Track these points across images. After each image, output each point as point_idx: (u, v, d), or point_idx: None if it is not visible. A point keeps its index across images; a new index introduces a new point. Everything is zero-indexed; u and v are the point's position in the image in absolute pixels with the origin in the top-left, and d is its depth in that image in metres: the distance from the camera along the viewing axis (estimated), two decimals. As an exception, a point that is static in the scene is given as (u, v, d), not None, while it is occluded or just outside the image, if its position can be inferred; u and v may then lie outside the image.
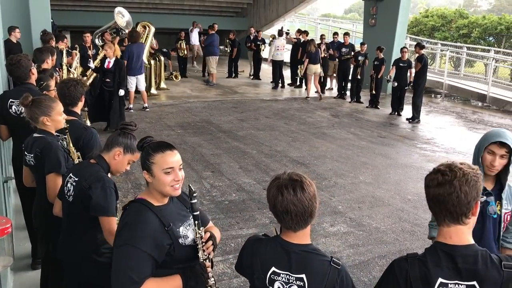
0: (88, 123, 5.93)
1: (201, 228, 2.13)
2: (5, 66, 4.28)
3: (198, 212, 2.12)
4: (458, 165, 1.76)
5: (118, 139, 2.70)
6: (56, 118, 3.18)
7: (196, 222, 2.12)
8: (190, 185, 2.16)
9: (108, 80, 8.76)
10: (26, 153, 3.17)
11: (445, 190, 1.73)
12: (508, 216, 2.64)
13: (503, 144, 2.47)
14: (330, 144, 8.67)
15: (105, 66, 8.76)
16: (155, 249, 2.00)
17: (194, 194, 2.10)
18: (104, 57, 8.85)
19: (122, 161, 2.73)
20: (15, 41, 8.53)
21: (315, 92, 14.04)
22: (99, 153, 2.75)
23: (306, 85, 13.66)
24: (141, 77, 10.61)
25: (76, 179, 2.67)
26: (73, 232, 2.71)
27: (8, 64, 4.19)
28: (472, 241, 1.79)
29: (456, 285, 1.73)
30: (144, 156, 2.13)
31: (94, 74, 9.36)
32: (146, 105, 10.73)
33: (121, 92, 8.80)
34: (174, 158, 2.12)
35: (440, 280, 1.74)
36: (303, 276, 1.83)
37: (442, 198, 1.74)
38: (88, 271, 2.68)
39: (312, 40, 13.43)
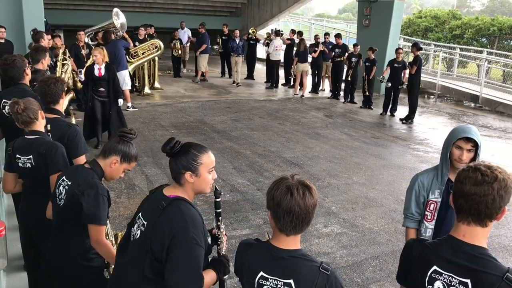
0: (74, 121, 5.50)
1: (222, 224, 2.34)
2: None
3: (220, 210, 2.32)
4: (497, 168, 1.76)
5: (117, 147, 2.65)
6: (42, 111, 3.22)
7: (220, 218, 2.32)
8: (216, 185, 2.30)
9: (101, 89, 7.74)
10: (18, 155, 3.06)
11: (482, 191, 1.72)
12: None
13: (469, 139, 2.66)
14: (323, 145, 8.69)
15: (96, 74, 7.68)
16: (204, 244, 2.11)
17: (221, 193, 2.27)
18: (92, 64, 7.79)
19: (118, 169, 2.70)
20: (2, 41, 8.47)
21: (309, 92, 14.16)
22: (95, 158, 2.71)
23: (294, 83, 14.08)
24: (122, 74, 10.10)
25: (69, 183, 2.63)
26: (62, 236, 2.69)
27: (2, 64, 4.13)
28: (484, 245, 1.78)
29: (450, 278, 1.77)
30: (188, 158, 2.14)
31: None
32: (129, 104, 10.53)
33: (120, 102, 8.06)
34: (213, 157, 2.24)
35: (435, 267, 1.80)
36: (291, 281, 1.83)
37: (476, 197, 1.73)
38: (77, 275, 2.66)
39: (302, 39, 13.66)
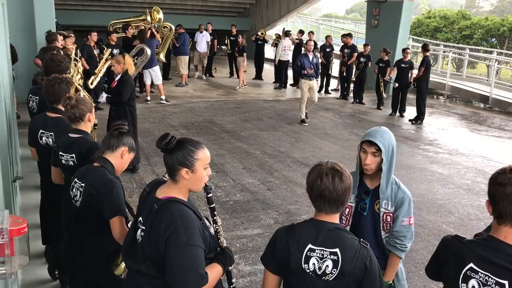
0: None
1: (218, 218, 2.32)
2: (45, 59, 4.28)
3: (214, 205, 2.32)
4: None
5: (122, 139, 2.72)
6: (93, 115, 3.28)
7: (215, 212, 2.31)
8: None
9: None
10: (62, 153, 3.13)
11: None
12: (388, 217, 2.69)
13: (372, 143, 2.55)
14: (333, 145, 8.70)
15: (111, 84, 6.96)
16: (203, 242, 2.07)
17: (212, 188, 2.24)
18: (113, 73, 7.02)
19: (127, 160, 2.77)
20: None
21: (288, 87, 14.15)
22: (102, 155, 2.72)
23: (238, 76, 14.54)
24: (155, 70, 11.22)
25: (83, 184, 2.65)
26: (78, 238, 2.72)
27: (50, 59, 4.19)
28: None
29: (487, 277, 1.71)
30: (184, 153, 2.08)
31: (99, 78, 8.21)
32: (163, 97, 11.49)
33: (101, 97, 6.73)
34: (208, 153, 2.19)
35: (471, 265, 1.76)
36: (337, 250, 1.94)
37: None
38: (92, 276, 2.69)
39: (242, 34, 14.58)
